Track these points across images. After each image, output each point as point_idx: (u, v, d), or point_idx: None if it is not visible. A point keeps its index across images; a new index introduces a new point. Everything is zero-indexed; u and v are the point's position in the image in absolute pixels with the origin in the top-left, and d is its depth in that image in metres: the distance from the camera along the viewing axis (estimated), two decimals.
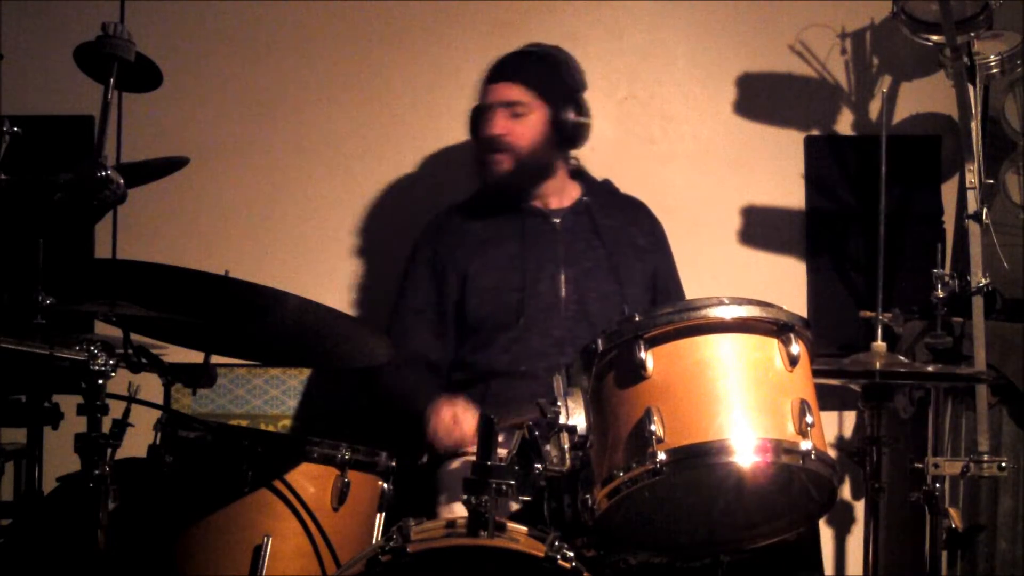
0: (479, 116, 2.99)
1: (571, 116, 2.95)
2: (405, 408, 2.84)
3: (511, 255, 2.94)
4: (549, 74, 2.97)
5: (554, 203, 3.03)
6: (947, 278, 2.86)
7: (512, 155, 2.93)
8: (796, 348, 2.02)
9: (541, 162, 2.98)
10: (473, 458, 2.67)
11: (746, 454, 1.95)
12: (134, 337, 2.26)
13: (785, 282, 3.46)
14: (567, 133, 2.97)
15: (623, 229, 3.04)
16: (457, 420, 2.72)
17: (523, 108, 2.93)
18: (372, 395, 2.98)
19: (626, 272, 2.96)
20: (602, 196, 3.08)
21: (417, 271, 3.02)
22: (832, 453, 2.05)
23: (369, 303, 3.43)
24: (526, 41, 3.12)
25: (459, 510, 2.58)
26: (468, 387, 2.87)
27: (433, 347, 2.96)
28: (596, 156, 3.17)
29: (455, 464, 2.77)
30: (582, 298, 2.91)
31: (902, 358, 2.72)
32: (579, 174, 3.11)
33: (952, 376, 2.89)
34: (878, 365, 2.48)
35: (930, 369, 2.67)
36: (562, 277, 2.92)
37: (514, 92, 2.94)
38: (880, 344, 2.61)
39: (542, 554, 1.88)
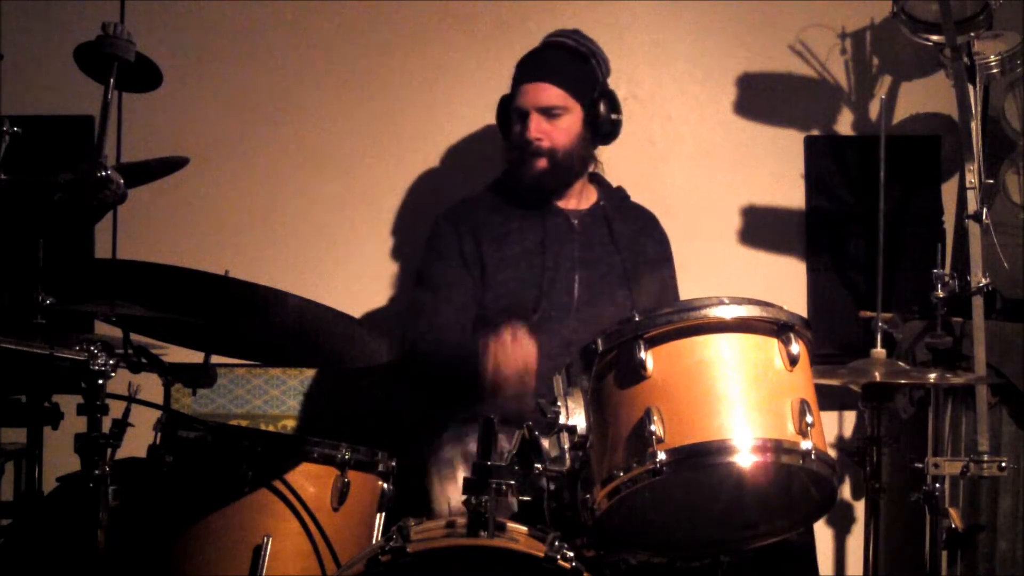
0: (511, 114, 2.97)
1: (604, 113, 2.96)
2: (450, 370, 2.75)
3: (530, 252, 2.94)
4: (583, 72, 2.98)
5: (574, 204, 3.03)
6: (947, 278, 2.86)
7: (549, 157, 2.93)
8: (796, 348, 2.02)
9: (577, 162, 2.99)
10: (465, 440, 2.73)
11: (746, 454, 1.95)
12: (134, 337, 2.26)
13: (785, 282, 3.46)
14: (601, 130, 2.98)
15: (636, 237, 3.04)
16: (517, 338, 2.61)
17: (559, 110, 2.93)
18: (414, 372, 2.89)
19: (637, 280, 2.96)
20: (616, 202, 3.09)
21: (443, 250, 2.97)
22: (832, 453, 2.05)
23: (369, 302, 3.43)
24: (526, 41, 3.12)
25: (451, 490, 2.60)
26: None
27: (466, 319, 2.90)
28: (597, 156, 3.17)
29: (444, 449, 2.78)
30: (594, 301, 2.91)
31: (902, 364, 2.72)
32: (595, 178, 3.11)
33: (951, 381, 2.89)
34: (878, 375, 2.48)
35: (931, 378, 2.67)
36: (576, 279, 2.92)
37: (551, 95, 2.93)
38: (880, 351, 2.60)
39: (542, 554, 1.88)
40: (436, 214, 3.07)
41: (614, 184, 3.15)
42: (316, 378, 3.41)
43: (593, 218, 3.02)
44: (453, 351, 2.80)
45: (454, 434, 2.80)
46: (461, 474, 2.64)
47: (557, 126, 2.93)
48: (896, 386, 2.54)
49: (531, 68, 2.99)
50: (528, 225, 2.97)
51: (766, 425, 1.97)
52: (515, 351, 2.61)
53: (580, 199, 3.05)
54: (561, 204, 3.02)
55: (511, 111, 2.98)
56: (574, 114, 2.94)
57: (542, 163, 2.93)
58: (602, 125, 2.97)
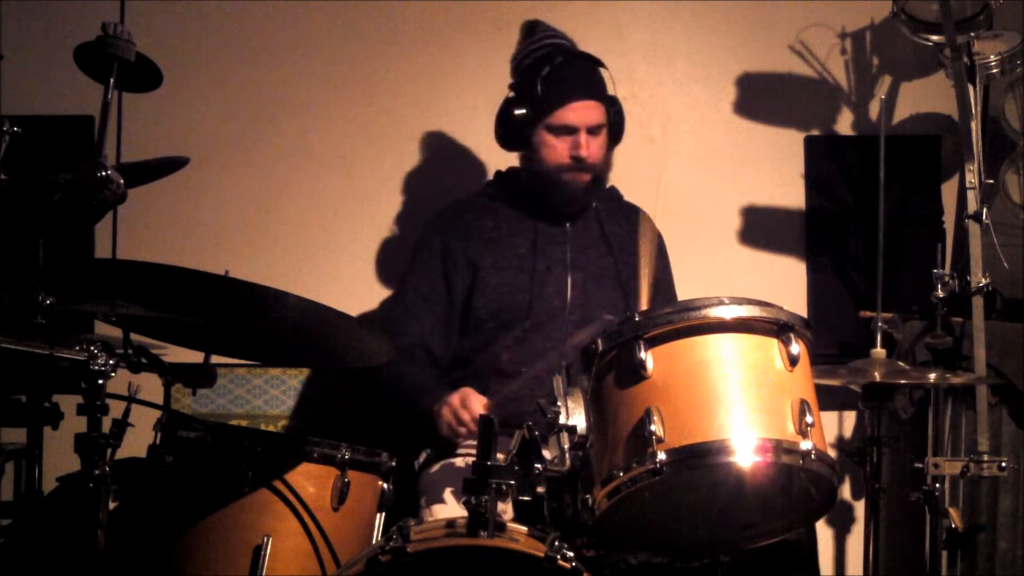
0: (546, 126, 2.90)
1: (619, 122, 2.97)
2: (410, 407, 2.80)
3: (522, 255, 2.93)
4: (603, 82, 2.96)
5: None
6: (947, 278, 2.86)
7: (592, 172, 2.92)
8: (796, 348, 2.02)
9: (606, 172, 3.00)
10: (454, 461, 2.72)
11: (746, 454, 1.95)
12: (134, 337, 2.26)
13: (785, 282, 3.46)
14: (617, 136, 2.99)
15: (628, 237, 3.04)
16: (465, 402, 2.65)
17: (601, 128, 2.91)
18: (374, 393, 2.96)
19: (630, 280, 2.96)
20: (609, 203, 3.08)
21: (426, 260, 2.98)
22: (832, 453, 2.05)
23: (369, 302, 3.43)
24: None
25: (439, 512, 2.60)
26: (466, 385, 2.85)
27: (436, 337, 2.92)
28: None
29: (435, 468, 2.78)
30: (587, 303, 2.91)
31: (901, 364, 2.72)
32: None
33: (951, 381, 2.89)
34: (877, 375, 2.48)
35: (931, 378, 2.67)
36: (569, 280, 2.92)
37: (599, 114, 2.90)
38: (879, 351, 2.60)
39: (542, 554, 1.89)
40: (428, 218, 3.07)
41: (607, 184, 3.15)
42: (316, 378, 3.41)
43: (585, 219, 3.01)
44: (412, 382, 2.83)
45: (449, 455, 2.80)
46: (450, 499, 2.64)
47: (596, 141, 2.92)
48: (896, 386, 2.54)
49: (577, 85, 2.91)
50: (519, 228, 2.97)
51: (766, 425, 1.97)
52: (460, 414, 2.64)
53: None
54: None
55: (549, 125, 2.89)
56: (605, 128, 2.94)
57: (587, 178, 2.92)
58: (617, 132, 2.98)
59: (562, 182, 2.92)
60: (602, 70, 2.97)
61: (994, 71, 3.12)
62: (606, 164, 2.99)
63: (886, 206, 2.69)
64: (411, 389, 2.83)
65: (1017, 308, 3.19)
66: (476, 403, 2.64)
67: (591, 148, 2.90)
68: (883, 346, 2.62)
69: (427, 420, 2.72)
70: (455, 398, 2.67)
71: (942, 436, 3.07)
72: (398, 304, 3.00)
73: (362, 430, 2.84)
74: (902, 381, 2.58)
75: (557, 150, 2.90)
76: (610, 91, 2.97)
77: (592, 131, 2.90)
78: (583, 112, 2.90)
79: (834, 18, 3.48)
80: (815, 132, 3.51)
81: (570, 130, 2.89)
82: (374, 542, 2.27)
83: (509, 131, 2.95)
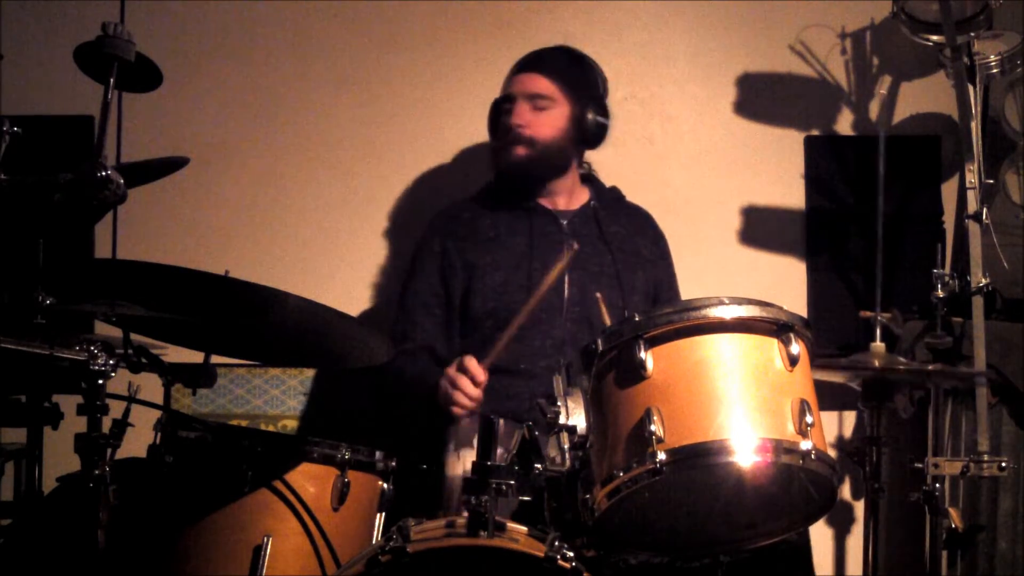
0: (501, 105, 2.99)
1: (592, 115, 2.97)
2: (415, 394, 2.81)
3: (519, 253, 2.95)
4: (577, 71, 2.99)
5: (563, 204, 3.04)
6: (947, 278, 2.86)
7: (529, 146, 2.93)
8: (796, 348, 2.02)
9: (557, 157, 2.99)
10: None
11: (746, 454, 1.95)
12: (134, 337, 2.26)
13: (785, 282, 3.46)
14: (587, 132, 2.99)
15: (628, 237, 3.04)
16: (462, 365, 2.67)
17: (546, 102, 2.94)
18: (380, 391, 2.96)
19: (628, 279, 2.96)
20: (609, 203, 3.09)
21: (424, 264, 3.01)
22: (832, 453, 2.05)
23: (369, 302, 3.43)
24: (526, 41, 3.13)
25: (467, 457, 2.58)
26: None
27: (439, 339, 2.95)
28: (596, 156, 3.17)
29: (465, 422, 2.78)
30: (584, 302, 2.91)
31: (901, 358, 2.72)
32: (589, 179, 3.12)
33: (951, 375, 2.89)
34: (877, 365, 2.48)
35: (930, 368, 2.67)
36: (567, 279, 2.92)
37: (540, 84, 2.94)
38: (879, 344, 2.60)
39: (542, 554, 1.88)
40: (429, 219, 3.08)
41: (609, 184, 3.15)
42: (316, 378, 3.41)
43: (583, 218, 3.02)
44: (416, 368, 2.86)
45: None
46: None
47: (541, 118, 2.94)
48: (895, 382, 2.53)
49: (525, 61, 3.01)
50: (516, 227, 2.98)
51: (766, 425, 1.97)
52: (458, 379, 2.67)
53: (570, 199, 3.05)
54: (549, 205, 3.02)
55: (499, 103, 2.99)
56: (561, 108, 2.95)
57: (521, 151, 2.94)
58: (588, 126, 2.97)
59: (500, 155, 2.96)
60: (597, 72, 3.00)
61: (994, 71, 3.12)
62: (554, 148, 2.96)
63: (886, 206, 2.69)
64: (413, 376, 2.85)
65: (1017, 308, 3.19)
66: (472, 364, 2.66)
67: (524, 116, 2.92)
68: (883, 342, 2.62)
69: (430, 399, 2.73)
70: (451, 368, 2.70)
71: (942, 436, 3.07)
72: (401, 309, 3.02)
73: (362, 430, 2.84)
74: (900, 368, 2.58)
75: (502, 123, 2.96)
76: (591, 86, 2.98)
77: (534, 103, 2.93)
78: (522, 82, 2.96)
79: (834, 18, 3.48)
80: (815, 132, 3.51)
81: (512, 99, 2.94)
82: (374, 542, 2.27)
83: (491, 123, 3.03)
